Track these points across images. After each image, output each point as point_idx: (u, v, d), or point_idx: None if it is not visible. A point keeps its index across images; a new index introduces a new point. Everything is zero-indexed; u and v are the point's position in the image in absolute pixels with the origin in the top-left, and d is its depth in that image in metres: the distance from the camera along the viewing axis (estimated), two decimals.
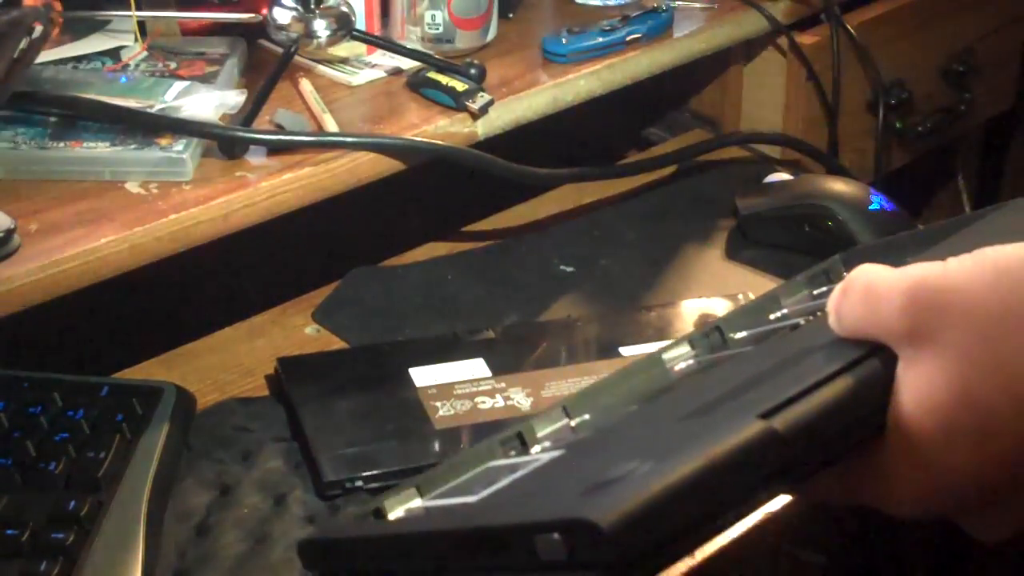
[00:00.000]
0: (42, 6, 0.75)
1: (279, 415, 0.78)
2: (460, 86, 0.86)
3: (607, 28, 0.96)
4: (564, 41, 0.94)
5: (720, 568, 0.71)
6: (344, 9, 0.85)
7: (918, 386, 0.39)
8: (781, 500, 0.73)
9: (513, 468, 0.46)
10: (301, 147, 0.80)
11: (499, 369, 0.79)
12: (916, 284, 0.39)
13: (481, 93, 0.86)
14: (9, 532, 0.64)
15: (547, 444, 0.49)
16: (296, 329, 0.89)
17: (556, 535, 0.34)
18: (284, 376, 0.80)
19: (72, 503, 0.66)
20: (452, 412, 0.75)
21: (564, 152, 1.00)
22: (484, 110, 0.86)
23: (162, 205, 0.74)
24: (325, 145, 0.81)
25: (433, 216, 1.04)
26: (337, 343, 0.88)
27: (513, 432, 0.50)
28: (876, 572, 1.40)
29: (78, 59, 0.86)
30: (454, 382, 0.78)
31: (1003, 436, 0.38)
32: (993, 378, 0.37)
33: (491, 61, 0.92)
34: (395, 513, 0.48)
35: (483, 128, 0.87)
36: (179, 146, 0.76)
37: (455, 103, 0.86)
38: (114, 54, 0.88)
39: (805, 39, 1.08)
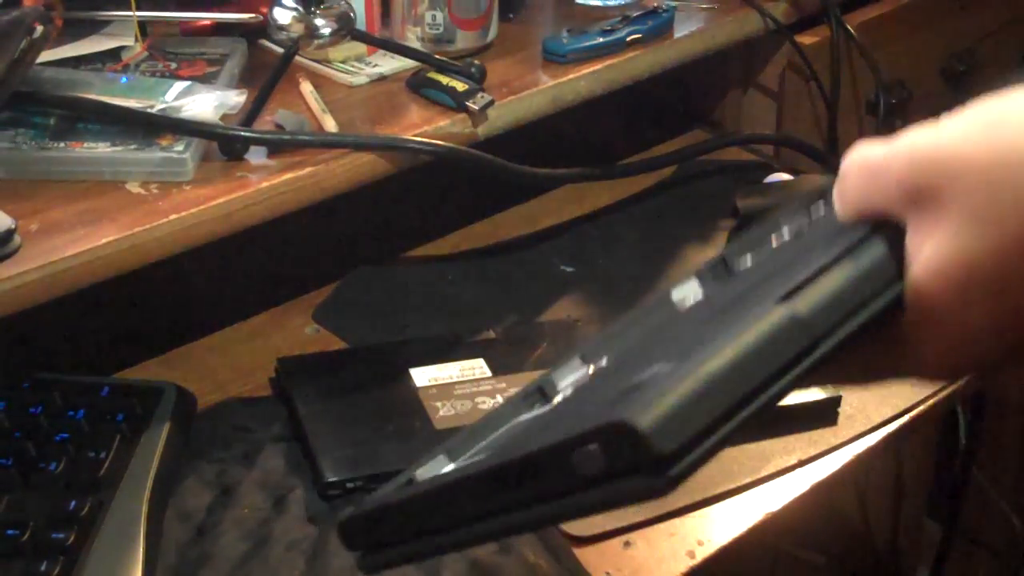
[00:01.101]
0: (42, 6, 0.75)
1: (279, 415, 0.78)
2: (460, 86, 0.86)
3: (607, 28, 0.96)
4: (564, 41, 0.94)
5: (720, 568, 0.71)
6: (344, 9, 0.85)
7: (927, 250, 0.39)
8: (781, 500, 0.74)
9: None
10: (301, 147, 0.80)
11: (499, 369, 0.79)
12: (911, 149, 0.40)
13: (481, 93, 0.86)
14: (9, 532, 0.64)
15: (568, 393, 0.49)
16: (296, 329, 0.89)
17: (593, 446, 0.34)
18: (284, 376, 0.80)
19: (72, 503, 0.66)
20: (452, 412, 0.75)
21: (564, 152, 1.00)
22: (484, 110, 0.86)
23: (162, 205, 0.74)
24: (325, 145, 0.81)
25: (433, 216, 1.04)
26: (337, 343, 0.88)
27: (534, 386, 0.50)
28: (876, 572, 1.40)
29: (78, 60, 0.86)
30: (454, 382, 0.78)
31: (1018, 287, 0.38)
32: (999, 231, 0.37)
33: (491, 61, 0.92)
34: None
35: (483, 128, 0.87)
36: (179, 146, 0.76)
37: (455, 103, 0.86)
38: (114, 55, 0.88)
39: (805, 39, 1.08)
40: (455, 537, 0.42)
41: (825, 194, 0.55)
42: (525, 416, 0.49)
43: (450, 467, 0.48)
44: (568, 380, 0.50)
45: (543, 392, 0.50)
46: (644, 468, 0.34)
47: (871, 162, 0.41)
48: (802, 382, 0.37)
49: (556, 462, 0.36)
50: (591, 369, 0.50)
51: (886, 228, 0.40)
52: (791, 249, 0.47)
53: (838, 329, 0.38)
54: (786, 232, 0.53)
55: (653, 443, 0.33)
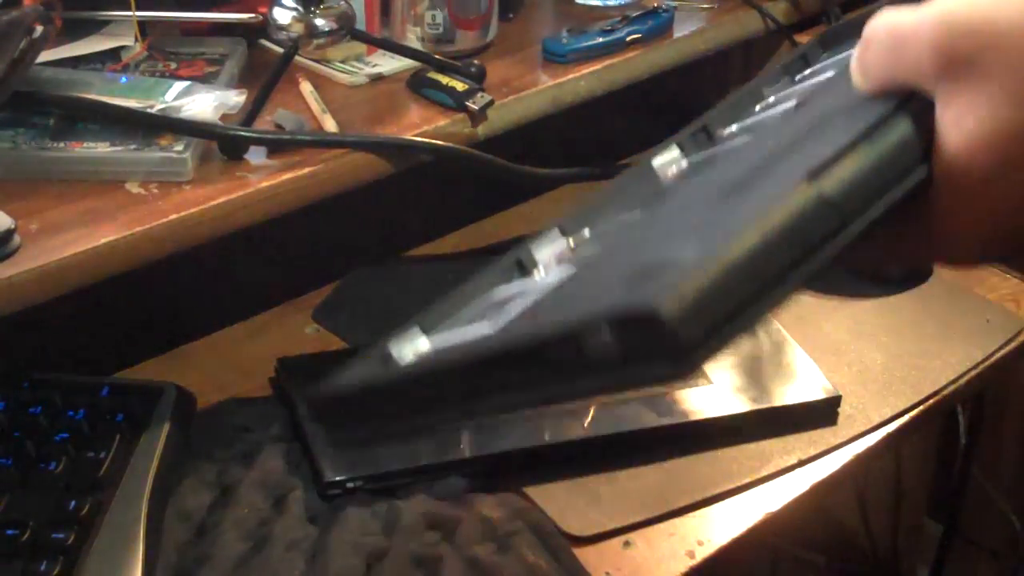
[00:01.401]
0: (42, 6, 0.75)
1: (279, 415, 0.78)
2: (460, 86, 0.86)
3: (607, 28, 0.96)
4: (564, 41, 0.94)
5: (720, 568, 0.71)
6: (344, 9, 0.85)
7: (961, 121, 0.37)
8: (781, 500, 0.73)
9: (521, 293, 0.44)
10: (301, 147, 0.80)
11: None
12: (944, 15, 0.37)
13: (481, 93, 0.86)
14: (9, 532, 0.64)
15: (550, 264, 0.47)
16: (296, 329, 0.89)
17: (608, 332, 0.32)
18: (284, 376, 0.80)
19: (72, 503, 0.66)
20: None
21: (564, 152, 1.00)
22: (484, 110, 0.86)
23: (162, 205, 0.74)
24: (325, 145, 0.81)
25: (433, 216, 1.03)
26: (337, 343, 0.88)
27: (511, 258, 0.47)
28: (876, 572, 1.40)
29: (78, 60, 0.86)
30: None
31: None
32: None
33: (491, 61, 0.92)
34: (405, 357, 0.45)
35: (483, 128, 0.87)
36: (179, 146, 0.76)
37: (455, 103, 0.86)
38: (114, 55, 0.88)
39: (805, 39, 1.08)
40: (444, 415, 0.40)
41: (807, 56, 0.53)
42: (504, 289, 0.46)
43: (424, 341, 0.45)
44: (547, 252, 0.47)
45: (521, 264, 0.47)
46: (664, 353, 0.32)
47: (899, 29, 0.38)
48: (828, 266, 0.35)
49: (565, 345, 0.33)
50: (571, 242, 0.47)
51: (913, 102, 0.38)
52: (803, 120, 0.44)
53: (866, 210, 0.36)
54: (772, 99, 0.51)
55: (679, 331, 0.31)
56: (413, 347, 0.45)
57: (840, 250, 0.35)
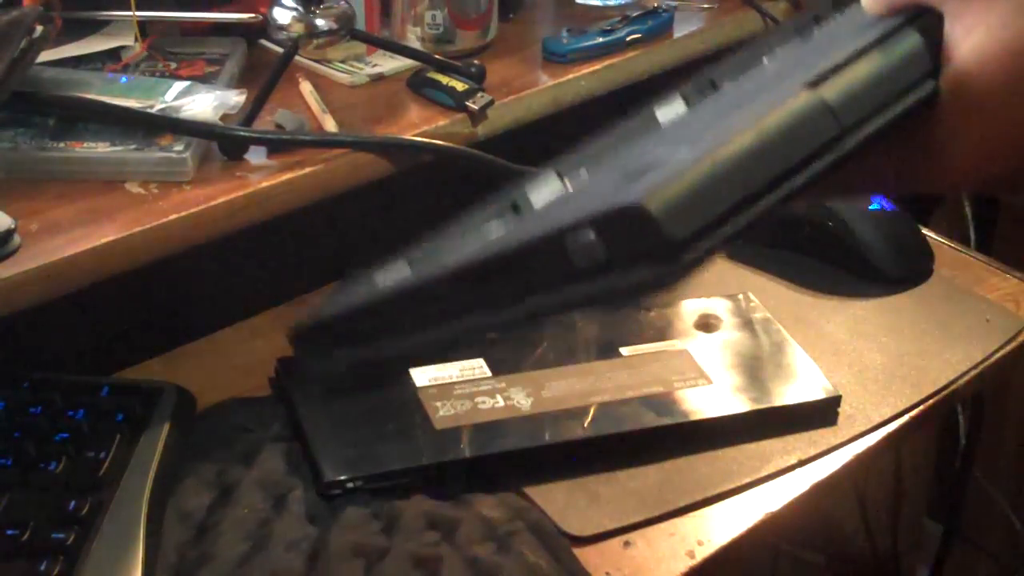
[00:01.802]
0: (42, 6, 0.75)
1: (279, 415, 0.78)
2: (460, 86, 0.86)
3: (607, 28, 0.96)
4: (564, 41, 0.94)
5: (720, 568, 0.71)
6: (344, 9, 0.85)
7: (971, 33, 0.37)
8: (781, 500, 0.73)
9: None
10: (301, 147, 0.80)
11: (499, 369, 0.79)
12: None
13: (481, 93, 0.86)
14: (9, 532, 0.64)
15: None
16: None
17: (591, 233, 0.31)
18: (284, 376, 0.80)
19: (72, 503, 0.66)
20: (452, 412, 0.75)
21: (564, 152, 1.00)
22: (484, 110, 0.86)
23: (162, 205, 0.74)
24: (325, 145, 0.81)
25: (433, 216, 1.03)
26: None
27: (504, 199, 0.46)
28: (876, 572, 1.40)
29: (78, 60, 0.86)
30: (454, 382, 0.78)
31: None
32: None
33: (491, 61, 0.92)
34: (388, 282, 0.43)
35: (483, 128, 0.87)
36: (179, 146, 0.76)
37: (455, 103, 0.86)
38: (114, 55, 0.88)
39: None
40: (426, 337, 0.39)
41: (819, 18, 0.53)
42: (495, 224, 0.45)
43: (410, 275, 0.44)
44: (543, 195, 0.46)
45: (516, 206, 0.46)
46: (652, 256, 0.30)
47: None
48: (825, 177, 0.34)
49: (548, 252, 0.32)
50: (568, 183, 0.46)
51: (923, 18, 0.38)
52: (810, 47, 0.43)
53: (868, 122, 0.35)
54: (780, 55, 0.51)
55: (664, 225, 0.30)
56: (398, 276, 0.44)
57: (837, 161, 0.34)
